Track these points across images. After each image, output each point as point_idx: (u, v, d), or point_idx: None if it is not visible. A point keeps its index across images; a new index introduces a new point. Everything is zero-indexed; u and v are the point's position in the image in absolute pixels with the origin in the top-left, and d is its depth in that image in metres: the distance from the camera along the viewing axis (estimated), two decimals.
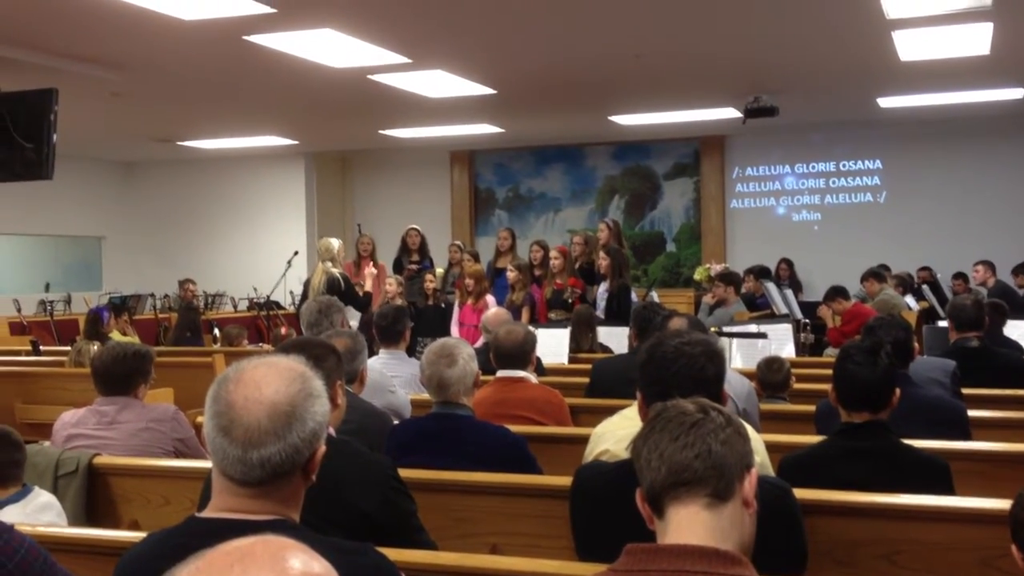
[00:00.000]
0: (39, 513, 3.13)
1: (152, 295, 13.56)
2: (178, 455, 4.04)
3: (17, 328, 11.60)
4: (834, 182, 13.76)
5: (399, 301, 8.69)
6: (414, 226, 10.59)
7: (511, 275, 8.95)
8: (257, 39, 7.21)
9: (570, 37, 7.72)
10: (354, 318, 7.96)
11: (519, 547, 3.10)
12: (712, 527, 1.76)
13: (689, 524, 1.76)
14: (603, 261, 8.74)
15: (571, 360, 7.14)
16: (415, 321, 7.24)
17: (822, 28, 7.67)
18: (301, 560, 1.10)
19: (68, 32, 7.01)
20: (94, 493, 3.83)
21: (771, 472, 3.00)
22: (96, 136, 12.52)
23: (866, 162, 13.58)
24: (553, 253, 9.12)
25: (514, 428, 3.85)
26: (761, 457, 3.05)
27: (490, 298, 8.56)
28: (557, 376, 6.00)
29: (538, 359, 4.97)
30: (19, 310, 11.94)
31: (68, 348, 8.01)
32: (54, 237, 15.08)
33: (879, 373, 3.13)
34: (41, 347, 9.19)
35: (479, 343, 6.48)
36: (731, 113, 11.20)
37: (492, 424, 3.73)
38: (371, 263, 9.22)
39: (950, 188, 13.09)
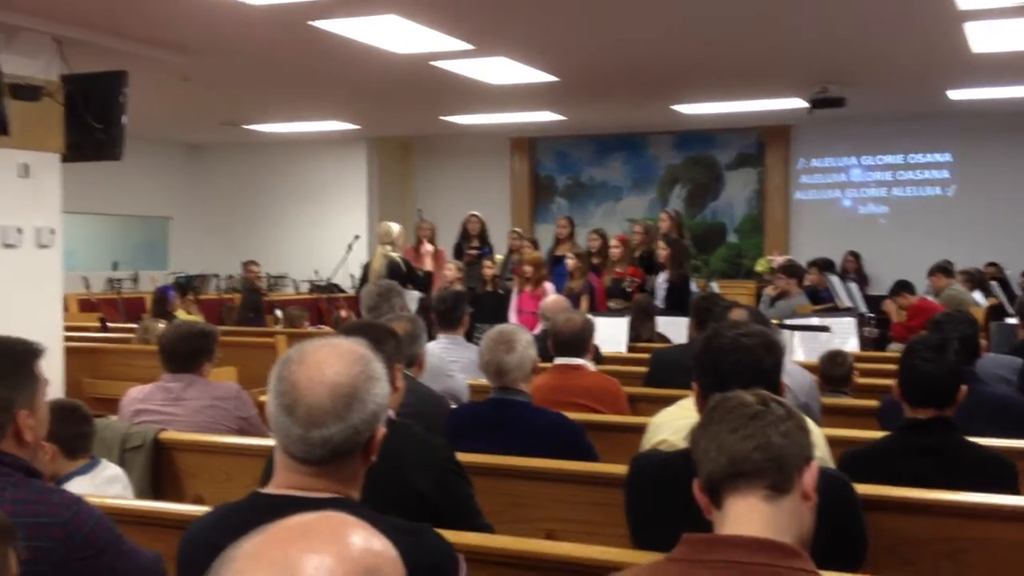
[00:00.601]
0: (106, 485, 3.21)
1: (216, 276, 13.81)
2: (241, 432, 4.11)
3: (86, 305, 11.86)
4: (902, 175, 13.52)
5: (458, 286, 8.74)
6: (474, 212, 10.63)
7: (570, 263, 8.95)
8: (322, 24, 7.27)
9: (635, 25, 7.67)
10: (412, 301, 8.01)
11: (574, 533, 3.11)
12: (770, 519, 1.75)
13: (747, 516, 1.75)
14: (663, 251, 8.70)
15: (629, 349, 7.13)
16: (474, 307, 7.27)
17: (892, 19, 7.53)
18: (362, 537, 1.11)
19: (139, 16, 7.13)
20: (159, 467, 3.91)
21: (831, 466, 2.97)
22: (165, 118, 12.73)
23: (935, 155, 13.31)
24: (613, 242, 9.11)
25: (571, 415, 3.85)
26: (821, 451, 3.02)
27: (548, 285, 8.57)
28: (615, 365, 5.99)
29: (596, 347, 4.97)
30: (88, 287, 12.21)
31: (135, 325, 8.18)
32: (123, 217, 15.37)
33: (945, 369, 3.09)
34: (109, 324, 9.40)
35: (537, 330, 6.49)
36: (797, 103, 11.05)
37: (550, 411, 3.74)
38: (425, 244, 9.28)
39: (1021, 182, 12.79)
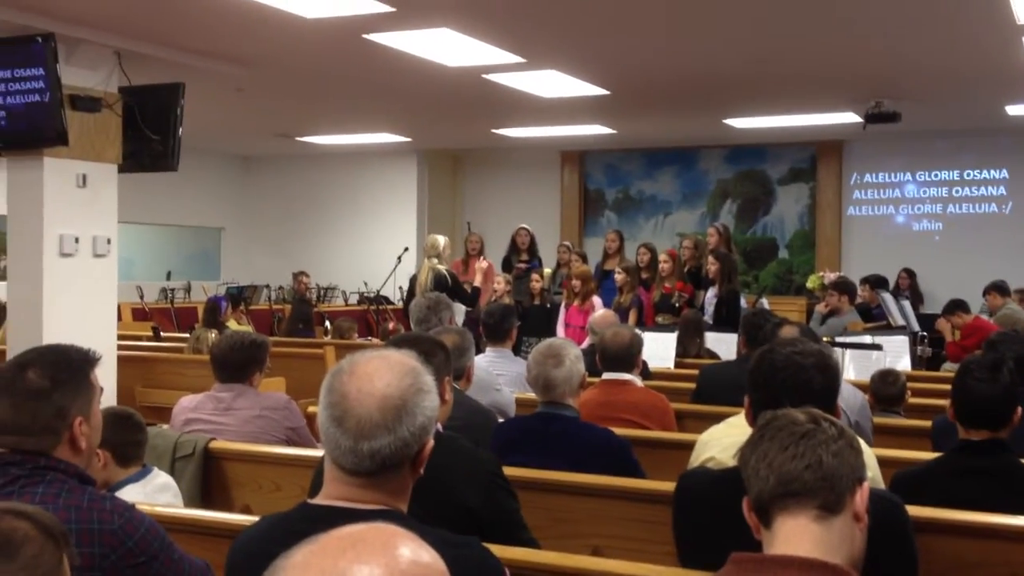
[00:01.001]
0: (157, 493, 3.25)
1: (267, 286, 13.94)
2: (290, 443, 4.14)
3: (140, 314, 12.04)
4: (957, 191, 13.31)
5: (507, 299, 8.75)
6: (524, 225, 10.64)
7: (619, 277, 8.92)
8: (375, 37, 7.33)
9: (687, 39, 7.65)
10: (459, 314, 8.02)
11: (621, 550, 3.09)
12: (821, 540, 1.73)
13: (797, 536, 1.73)
14: (712, 265, 8.63)
15: (677, 365, 7.09)
16: (522, 320, 7.28)
17: (949, 33, 7.44)
18: (411, 548, 1.12)
19: (196, 29, 7.25)
20: (209, 476, 3.95)
21: (883, 487, 2.93)
22: (219, 130, 12.90)
23: (992, 171, 13.09)
24: (662, 256, 9.06)
25: (618, 431, 3.84)
26: (873, 472, 2.98)
27: (597, 300, 8.55)
28: (663, 380, 5.97)
29: (644, 363, 4.95)
30: (142, 297, 12.40)
31: (187, 335, 8.29)
32: (177, 227, 15.61)
33: (1000, 390, 3.03)
34: (161, 333, 9.53)
35: (585, 344, 6.47)
36: (851, 118, 10.93)
37: (597, 426, 3.73)
38: (480, 260, 9.30)
39: None
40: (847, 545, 1.76)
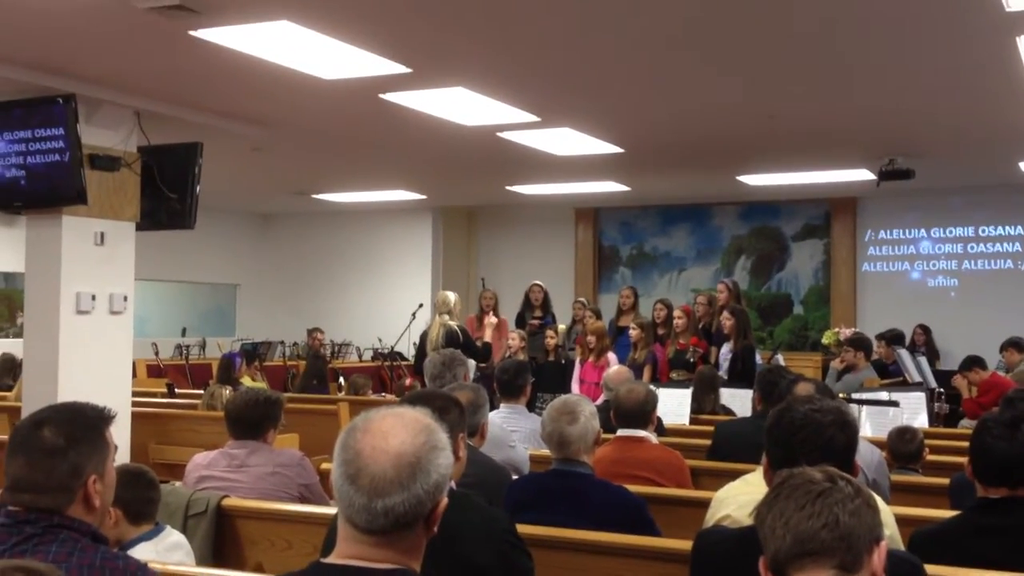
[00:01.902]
0: (169, 552, 3.23)
1: (282, 342, 13.97)
2: (303, 500, 4.12)
3: (154, 371, 12.07)
4: (973, 247, 13.28)
5: (522, 355, 8.73)
6: (537, 282, 10.67)
7: (633, 333, 8.91)
8: (392, 97, 7.42)
9: (701, 98, 7.71)
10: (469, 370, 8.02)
11: None
12: None
13: None
14: (727, 321, 8.62)
15: (692, 421, 7.04)
16: (536, 376, 7.26)
17: (962, 90, 7.47)
18: None
19: (214, 90, 7.35)
20: (222, 534, 3.93)
21: (901, 546, 2.89)
22: (236, 188, 13.02)
23: (1007, 227, 13.08)
24: (677, 312, 9.05)
25: (633, 488, 3.81)
26: (891, 530, 2.94)
27: (611, 356, 8.53)
28: (678, 437, 5.93)
29: (659, 419, 4.93)
30: (157, 353, 12.44)
31: (201, 392, 8.29)
32: (192, 284, 15.69)
33: (1018, 447, 3.00)
34: (176, 390, 9.54)
35: (600, 400, 6.45)
36: (864, 175, 10.97)
37: (612, 483, 3.70)
38: (489, 316, 9.32)
39: None
40: None
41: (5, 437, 2.41)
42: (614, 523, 3.41)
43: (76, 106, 6.48)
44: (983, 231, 13.20)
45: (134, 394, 7.57)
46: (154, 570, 2.29)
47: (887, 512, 2.99)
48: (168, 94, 7.33)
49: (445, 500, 1.87)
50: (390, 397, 9.40)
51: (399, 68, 6.55)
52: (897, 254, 13.68)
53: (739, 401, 7.36)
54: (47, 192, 6.62)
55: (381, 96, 7.38)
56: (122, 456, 6.18)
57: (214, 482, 4.11)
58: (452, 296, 8.53)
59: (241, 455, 4.14)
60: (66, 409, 2.34)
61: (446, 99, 7.52)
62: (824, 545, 1.73)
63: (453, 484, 2.51)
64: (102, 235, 6.93)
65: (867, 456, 4.20)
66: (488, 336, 8.73)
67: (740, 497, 2.95)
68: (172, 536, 3.32)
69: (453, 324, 8.29)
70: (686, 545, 2.68)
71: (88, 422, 2.31)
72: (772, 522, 1.79)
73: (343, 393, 9.97)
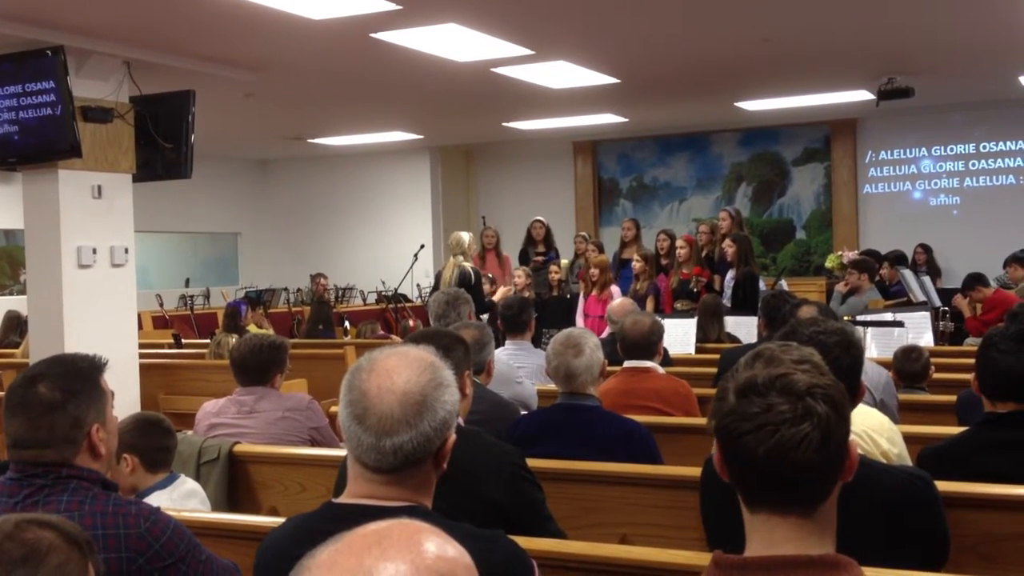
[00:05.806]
0: (184, 500, 3.25)
1: (286, 289, 13.99)
2: (313, 443, 4.15)
3: (160, 322, 12.10)
4: (974, 164, 13.20)
5: (528, 293, 8.74)
6: (539, 217, 10.64)
7: (637, 265, 8.91)
8: (383, 36, 7.33)
9: (695, 23, 7.61)
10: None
11: (649, 538, 3.08)
12: (805, 531, 1.59)
13: (782, 530, 1.60)
14: (729, 248, 8.60)
15: (698, 350, 7.06)
16: (540, 312, 7.26)
17: (960, 4, 7.36)
18: (436, 544, 1.11)
19: (203, 36, 7.26)
20: (234, 480, 3.96)
21: (910, 463, 2.91)
22: (231, 136, 12.94)
23: (1008, 143, 12.97)
24: (679, 242, 9.04)
25: (641, 418, 3.83)
26: (899, 449, 2.96)
27: (615, 288, 8.53)
28: (684, 366, 5.95)
29: (665, 349, 4.93)
30: (161, 305, 12.47)
31: (208, 341, 8.32)
32: (193, 234, 15.67)
33: None
34: (182, 340, 9.57)
35: (605, 334, 6.46)
36: (863, 96, 10.86)
37: (619, 415, 3.72)
38: (496, 254, 9.32)
39: None
40: (830, 524, 1.60)
41: None
42: (623, 453, 3.43)
43: (65, 58, 6.40)
44: (984, 147, 13.11)
45: (141, 346, 7.59)
46: (167, 513, 2.31)
47: (895, 431, 3.01)
48: (157, 42, 7.24)
49: (453, 436, 1.87)
50: (396, 339, 9.41)
51: (388, 5, 6.46)
52: (898, 174, 13.61)
53: (744, 328, 7.38)
54: (41, 146, 6.57)
55: (372, 35, 7.29)
56: (132, 407, 6.21)
57: (225, 429, 4.13)
58: (466, 236, 8.49)
59: (250, 401, 4.16)
60: (57, 362, 2.34)
61: (438, 36, 7.42)
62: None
63: (461, 421, 2.51)
64: (99, 188, 6.89)
65: (874, 377, 4.21)
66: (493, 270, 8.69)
67: None
68: (187, 484, 3.35)
69: (467, 265, 8.28)
70: (696, 472, 2.69)
71: (82, 372, 2.30)
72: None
73: (349, 337, 9.99)
